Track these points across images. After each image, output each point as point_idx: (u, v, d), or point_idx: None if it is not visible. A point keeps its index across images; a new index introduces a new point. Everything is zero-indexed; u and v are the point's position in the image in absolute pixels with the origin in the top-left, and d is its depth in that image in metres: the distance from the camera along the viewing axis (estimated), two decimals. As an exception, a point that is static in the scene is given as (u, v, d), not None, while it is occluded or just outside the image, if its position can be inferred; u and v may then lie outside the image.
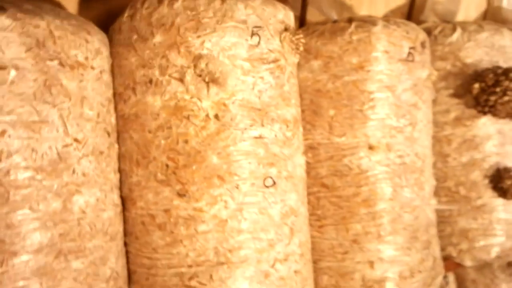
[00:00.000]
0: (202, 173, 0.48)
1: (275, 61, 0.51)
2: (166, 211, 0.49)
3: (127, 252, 0.53)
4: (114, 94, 0.52)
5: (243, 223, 0.48)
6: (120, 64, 0.51)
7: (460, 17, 1.02)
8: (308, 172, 0.63)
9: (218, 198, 0.48)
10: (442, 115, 0.77)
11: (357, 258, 0.61)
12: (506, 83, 0.70)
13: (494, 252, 0.76)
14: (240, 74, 0.49)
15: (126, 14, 0.51)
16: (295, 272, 0.52)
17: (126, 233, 0.52)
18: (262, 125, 0.50)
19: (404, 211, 0.61)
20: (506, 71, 0.70)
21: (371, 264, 0.61)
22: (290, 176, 0.53)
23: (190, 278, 0.48)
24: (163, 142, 0.49)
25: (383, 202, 0.61)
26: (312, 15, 0.76)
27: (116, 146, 0.51)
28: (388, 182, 0.61)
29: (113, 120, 0.51)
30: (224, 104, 0.48)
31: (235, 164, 0.48)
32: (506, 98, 0.70)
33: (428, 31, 0.79)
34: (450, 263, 0.78)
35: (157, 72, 0.49)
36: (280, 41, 0.52)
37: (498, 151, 0.75)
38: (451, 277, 0.99)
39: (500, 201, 0.75)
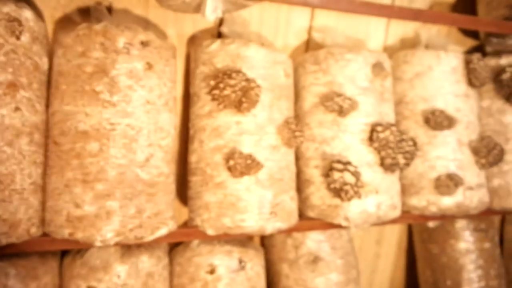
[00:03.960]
0: None
1: (-9, 38, 0.72)
2: None
3: None
4: None
5: None
6: None
7: (279, 43, 1.21)
8: (48, 133, 0.82)
9: None
10: (201, 109, 0.95)
11: (66, 199, 0.78)
12: (227, 80, 0.88)
13: (204, 225, 0.91)
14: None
15: None
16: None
17: None
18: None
19: (108, 166, 0.79)
20: (231, 72, 0.89)
21: (76, 204, 0.78)
22: (-6, 121, 0.72)
23: None
24: None
25: (90, 157, 0.78)
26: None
27: None
28: (96, 142, 0.79)
29: None
30: None
31: None
32: (225, 92, 0.88)
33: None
34: (196, 231, 0.93)
35: None
36: (-1, 26, 0.73)
37: (235, 139, 0.92)
38: (249, 264, 1.12)
39: (234, 180, 0.91)
